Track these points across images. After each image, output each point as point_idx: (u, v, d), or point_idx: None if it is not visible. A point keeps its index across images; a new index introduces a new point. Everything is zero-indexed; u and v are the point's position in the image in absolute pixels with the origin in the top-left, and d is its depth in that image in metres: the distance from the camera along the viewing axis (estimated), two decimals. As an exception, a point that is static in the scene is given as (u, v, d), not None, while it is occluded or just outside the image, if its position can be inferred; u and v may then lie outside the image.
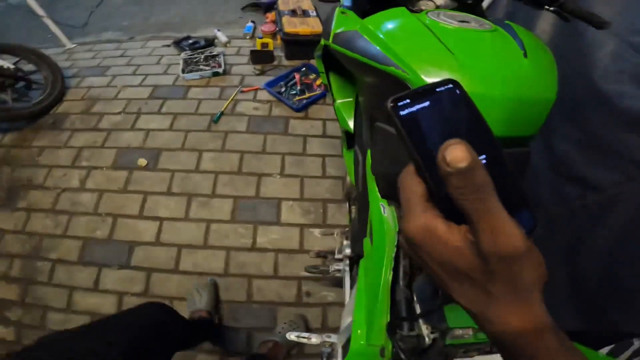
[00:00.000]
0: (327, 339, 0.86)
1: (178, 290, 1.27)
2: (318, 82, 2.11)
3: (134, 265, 1.35)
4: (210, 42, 2.50)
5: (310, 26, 2.26)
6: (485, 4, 1.68)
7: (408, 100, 0.29)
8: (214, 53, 2.37)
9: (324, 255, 1.19)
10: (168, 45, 2.55)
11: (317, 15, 2.38)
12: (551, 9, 0.73)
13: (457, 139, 0.24)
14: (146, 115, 1.98)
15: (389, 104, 0.28)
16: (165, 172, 1.68)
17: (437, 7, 0.81)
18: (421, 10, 0.76)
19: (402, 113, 0.28)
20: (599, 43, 1.09)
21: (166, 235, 1.42)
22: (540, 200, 1.22)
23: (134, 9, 3.06)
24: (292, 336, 0.89)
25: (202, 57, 2.35)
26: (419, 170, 0.28)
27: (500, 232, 0.22)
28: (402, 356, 0.57)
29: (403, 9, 0.72)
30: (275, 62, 2.31)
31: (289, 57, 2.34)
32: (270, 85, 2.09)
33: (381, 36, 0.68)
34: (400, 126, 0.28)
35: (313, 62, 2.35)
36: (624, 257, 0.99)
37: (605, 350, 0.92)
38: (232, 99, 2.04)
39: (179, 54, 2.41)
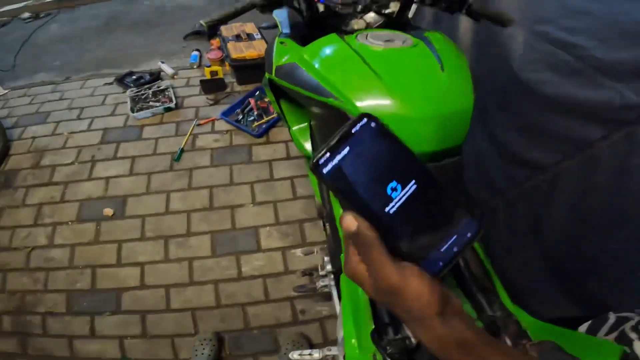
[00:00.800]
0: (328, 352, 0.97)
1: (175, 328, 1.41)
2: (274, 105, 2.30)
3: (125, 309, 1.46)
4: (156, 76, 2.61)
5: (257, 49, 2.45)
6: (410, 14, 1.96)
7: (328, 155, 0.31)
8: (162, 87, 2.48)
9: (310, 273, 1.37)
10: (110, 83, 2.63)
11: (262, 37, 2.58)
12: (462, 12, 0.93)
13: (348, 211, 0.31)
14: (102, 162, 2.06)
15: (312, 167, 0.31)
16: (135, 218, 1.78)
17: (367, 24, 0.96)
18: (353, 30, 0.93)
19: (325, 171, 0.31)
20: (512, 36, 1.30)
21: (150, 278, 1.55)
22: (496, 187, 1.43)
23: (63, 47, 3.09)
24: (294, 355, 1.01)
25: (150, 92, 2.45)
26: (364, 215, 0.32)
27: (379, 274, 0.31)
28: (391, 356, 0.67)
29: (334, 35, 0.83)
30: (228, 89, 2.48)
31: (240, 82, 2.52)
32: (226, 114, 2.25)
33: (317, 67, 0.79)
34: (329, 184, 0.31)
35: (265, 85, 2.54)
36: (579, 230, 1.14)
37: (584, 327, 0.98)
38: (190, 134, 2.17)
39: (124, 92, 2.50)
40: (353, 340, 0.77)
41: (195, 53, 2.75)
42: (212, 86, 2.45)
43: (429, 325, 0.32)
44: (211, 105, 2.38)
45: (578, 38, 1.08)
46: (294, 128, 1.21)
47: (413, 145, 0.72)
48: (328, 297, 1.41)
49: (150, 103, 2.38)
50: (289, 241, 1.64)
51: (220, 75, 2.48)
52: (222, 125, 2.23)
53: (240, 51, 2.44)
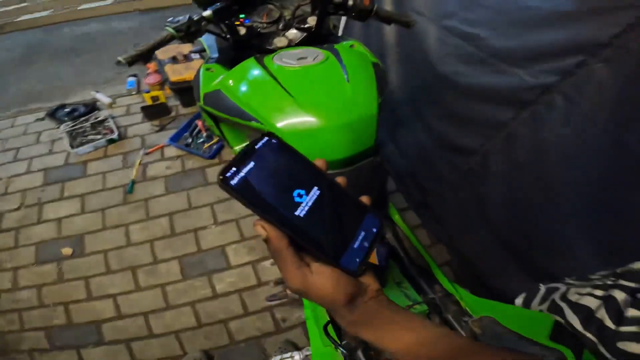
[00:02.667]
0: (307, 352, 1.20)
1: (163, 352, 1.66)
2: (222, 125, 2.57)
3: (109, 340, 1.70)
4: (92, 107, 2.81)
5: (196, 70, 2.69)
6: (341, 25, 2.32)
7: (234, 169, 0.38)
8: (100, 118, 2.68)
9: (282, 281, 1.66)
10: (42, 119, 2.79)
11: (201, 57, 2.84)
12: (372, 17, 1.17)
13: (258, 220, 0.39)
14: (49, 204, 2.26)
15: (218, 180, 0.37)
16: (96, 254, 2.01)
17: (289, 40, 1.18)
18: (277, 48, 1.14)
19: (233, 183, 0.38)
20: (427, 32, 1.58)
21: (126, 308, 1.80)
22: (441, 175, 1.73)
23: (-19, 83, 3.17)
24: (277, 359, 1.24)
25: (88, 125, 2.64)
26: (273, 224, 0.39)
27: (287, 277, 0.40)
28: (345, 346, 0.86)
29: (252, 60, 1.01)
30: (173, 113, 2.75)
31: (185, 104, 2.78)
32: (174, 139, 2.52)
33: (238, 92, 0.95)
34: (237, 195, 0.37)
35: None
36: (515, 205, 1.36)
37: (520, 299, 1.14)
38: (139, 164, 2.42)
39: (57, 127, 2.67)
40: (315, 335, 0.97)
41: (132, 79, 2.99)
42: (155, 112, 2.70)
43: (340, 314, 0.43)
44: (157, 131, 2.64)
45: (477, 29, 1.35)
46: (236, 148, 1.39)
47: (328, 153, 0.95)
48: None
49: (90, 137, 2.58)
50: (257, 254, 1.95)
51: (162, 100, 2.73)
52: (172, 151, 2.50)
53: (179, 73, 2.70)
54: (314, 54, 0.99)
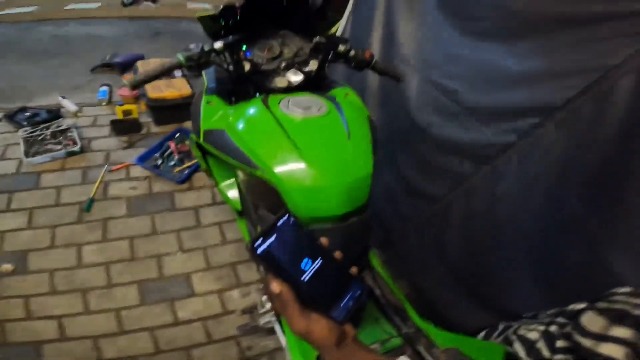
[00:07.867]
0: None
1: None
2: (197, 148, 2.67)
3: (49, 362, 1.67)
4: (56, 114, 2.84)
5: (178, 89, 2.87)
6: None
7: (261, 239, 0.56)
8: (62, 127, 2.72)
9: (250, 310, 1.72)
10: (-2, 120, 2.78)
11: (184, 75, 3.00)
12: (369, 68, 1.37)
13: (274, 279, 0.57)
14: (-7, 215, 2.23)
15: (248, 249, 0.55)
16: (40, 273, 1.99)
17: (289, 82, 1.31)
18: (277, 87, 1.27)
19: (259, 252, 0.55)
20: (410, 81, 1.77)
21: (72, 330, 1.77)
22: (405, 216, 1.95)
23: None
24: None
25: (49, 133, 2.68)
26: (287, 282, 0.56)
27: (293, 323, 0.57)
28: None
29: (259, 102, 1.12)
30: (144, 131, 2.83)
31: (158, 122, 2.88)
32: (142, 159, 2.59)
33: (245, 137, 1.06)
34: (262, 262, 0.56)
35: (187, 125, 2.90)
36: (471, 249, 1.59)
37: (481, 335, 1.35)
38: (100, 182, 2.45)
39: (15, 131, 2.69)
40: (295, 353, 1.11)
41: (104, 88, 3.06)
42: (125, 127, 2.77)
43: (329, 352, 0.60)
44: (125, 148, 2.70)
45: (454, 82, 1.57)
46: (222, 184, 1.53)
47: (325, 209, 1.10)
48: (271, 331, 1.77)
49: (49, 146, 2.60)
50: (224, 283, 2.01)
51: (135, 116, 2.81)
52: (138, 171, 2.56)
53: (160, 90, 2.82)
54: (318, 105, 1.12)
